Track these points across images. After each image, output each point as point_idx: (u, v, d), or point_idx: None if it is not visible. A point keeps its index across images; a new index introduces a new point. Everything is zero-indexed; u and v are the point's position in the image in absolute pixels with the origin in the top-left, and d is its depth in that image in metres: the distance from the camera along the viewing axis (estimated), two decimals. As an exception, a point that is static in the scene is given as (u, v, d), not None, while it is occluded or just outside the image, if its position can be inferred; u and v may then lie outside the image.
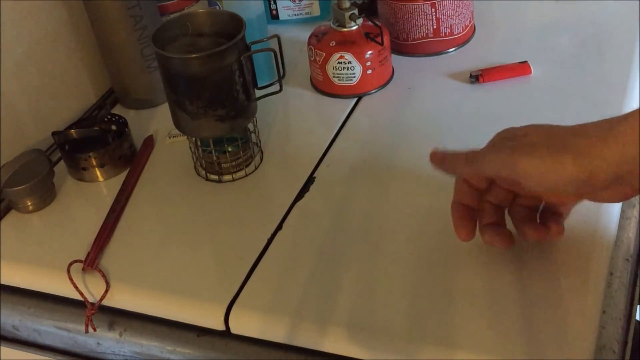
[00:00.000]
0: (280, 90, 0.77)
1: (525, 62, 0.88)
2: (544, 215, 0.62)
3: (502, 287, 0.62)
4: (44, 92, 0.88)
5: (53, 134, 0.84)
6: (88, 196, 0.81)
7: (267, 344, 0.64)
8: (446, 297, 0.62)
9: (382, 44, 0.86)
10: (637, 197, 0.72)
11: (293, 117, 0.90)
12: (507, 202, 0.63)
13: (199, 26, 0.76)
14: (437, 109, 0.85)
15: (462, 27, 0.94)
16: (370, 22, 0.88)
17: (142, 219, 0.77)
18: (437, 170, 0.63)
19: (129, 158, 0.84)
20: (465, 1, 0.92)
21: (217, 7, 0.94)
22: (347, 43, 0.86)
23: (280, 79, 0.77)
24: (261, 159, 0.82)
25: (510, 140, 0.55)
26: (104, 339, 0.69)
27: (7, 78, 0.82)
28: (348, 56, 0.86)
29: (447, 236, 0.68)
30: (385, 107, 0.87)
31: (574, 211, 0.65)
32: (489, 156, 0.57)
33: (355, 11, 0.86)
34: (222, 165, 0.79)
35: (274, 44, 0.77)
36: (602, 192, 0.52)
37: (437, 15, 0.91)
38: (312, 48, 0.88)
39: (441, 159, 0.62)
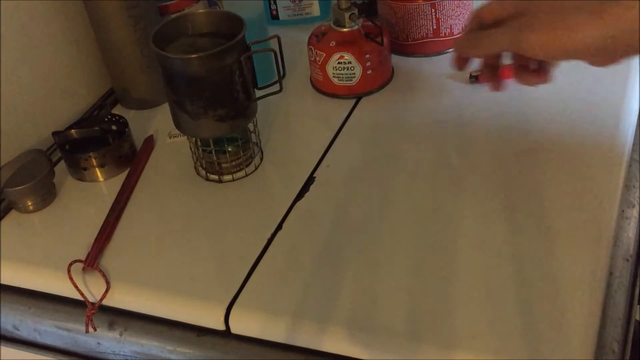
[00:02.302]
0: (280, 90, 0.77)
1: (525, 62, 0.88)
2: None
3: (502, 287, 0.62)
4: (44, 92, 0.88)
5: (53, 134, 0.84)
6: (88, 196, 0.81)
7: (267, 344, 0.64)
8: (446, 297, 0.62)
9: (382, 44, 0.86)
10: (637, 197, 0.72)
11: (293, 117, 0.90)
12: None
13: (199, 26, 0.76)
14: (437, 109, 0.85)
15: (462, 27, 0.93)
16: (370, 22, 0.88)
17: (142, 219, 0.77)
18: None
19: (129, 158, 0.84)
20: (465, 1, 0.92)
21: (217, 7, 0.94)
22: (347, 43, 0.86)
23: (280, 79, 0.77)
24: (261, 159, 0.82)
25: (522, 18, 0.57)
26: (104, 339, 0.69)
27: (7, 78, 0.82)
28: (348, 56, 0.86)
29: (447, 236, 0.68)
30: (385, 107, 0.87)
31: (574, 211, 0.65)
32: (502, 38, 0.58)
33: (355, 11, 0.86)
34: (222, 165, 0.79)
35: (274, 44, 0.77)
36: (591, 57, 0.55)
37: (437, 16, 0.91)
38: (312, 48, 0.88)
39: (461, 46, 0.64)
